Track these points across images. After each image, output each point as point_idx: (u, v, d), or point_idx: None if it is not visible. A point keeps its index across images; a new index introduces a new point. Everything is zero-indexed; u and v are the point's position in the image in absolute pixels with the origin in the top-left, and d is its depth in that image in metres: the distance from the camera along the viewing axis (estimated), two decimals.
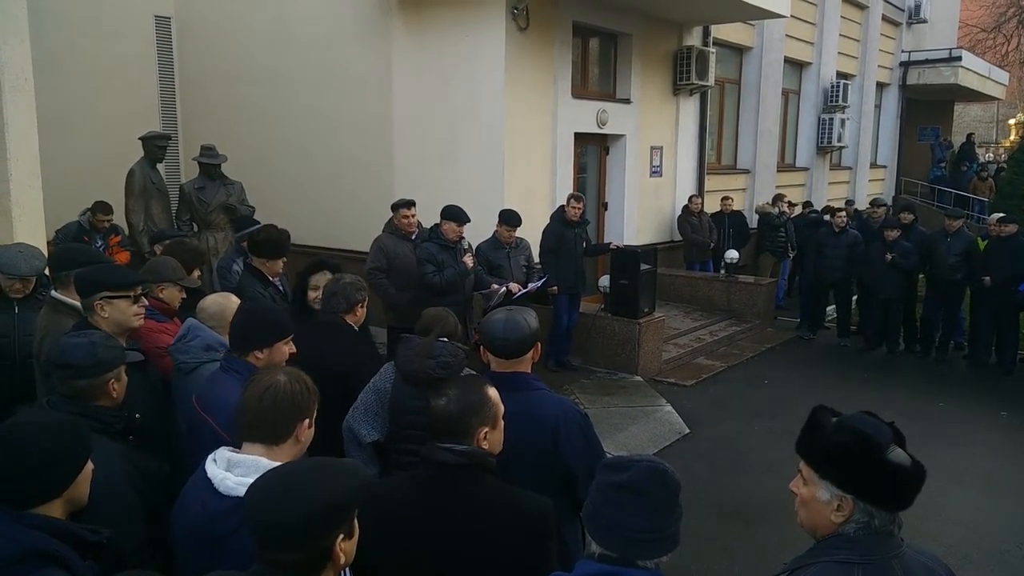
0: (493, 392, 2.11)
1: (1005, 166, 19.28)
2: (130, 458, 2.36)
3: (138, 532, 2.20)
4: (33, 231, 4.80)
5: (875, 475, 1.60)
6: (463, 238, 6.30)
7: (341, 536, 1.52)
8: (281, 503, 1.47)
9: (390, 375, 3.02)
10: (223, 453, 1.96)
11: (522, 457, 2.36)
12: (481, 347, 2.54)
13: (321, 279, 4.02)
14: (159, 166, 7.75)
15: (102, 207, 7.08)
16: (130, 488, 2.25)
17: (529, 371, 2.55)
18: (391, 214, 6.52)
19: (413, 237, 6.34)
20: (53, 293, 3.47)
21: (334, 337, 3.40)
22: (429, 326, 3.04)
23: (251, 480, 1.76)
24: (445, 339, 2.98)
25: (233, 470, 1.91)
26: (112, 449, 2.28)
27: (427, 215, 6.52)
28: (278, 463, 1.80)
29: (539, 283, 6.87)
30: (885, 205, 10.42)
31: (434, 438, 2.03)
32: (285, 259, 4.86)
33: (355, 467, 1.65)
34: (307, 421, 2.00)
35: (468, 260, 6.23)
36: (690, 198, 10.65)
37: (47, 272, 3.90)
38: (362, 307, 3.57)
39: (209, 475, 1.91)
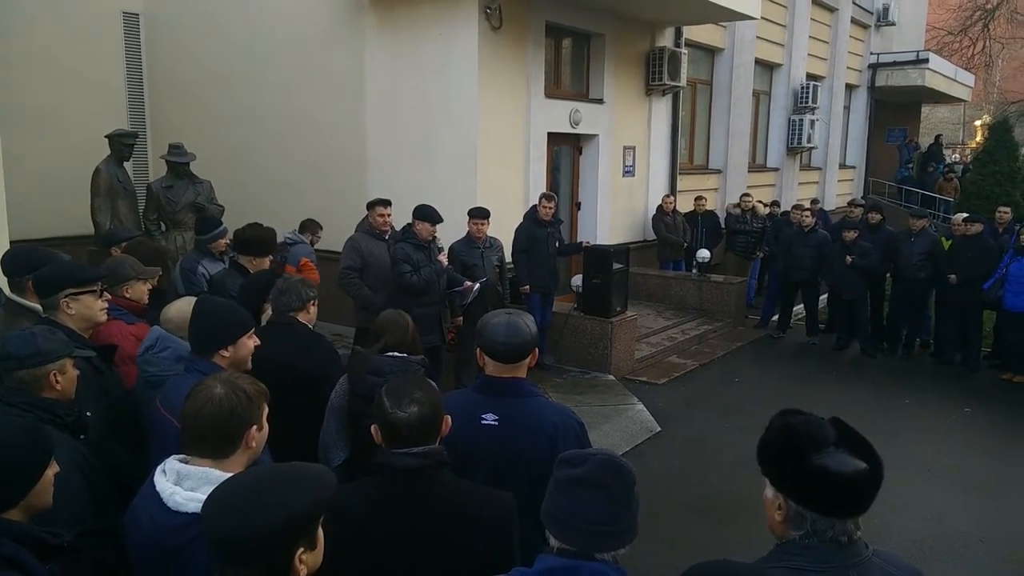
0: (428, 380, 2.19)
1: (971, 167, 19.65)
2: (78, 448, 2.34)
3: (84, 518, 2.17)
4: None
5: (801, 475, 1.58)
6: (436, 238, 6.28)
7: (302, 549, 1.48)
8: (239, 517, 1.43)
9: (343, 391, 3.05)
10: (172, 464, 1.90)
11: (518, 463, 2.37)
12: (478, 350, 2.53)
13: None
14: (126, 165, 7.63)
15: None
16: (78, 474, 2.22)
17: (525, 376, 2.55)
18: (366, 213, 6.49)
19: (387, 237, 6.30)
20: (10, 296, 3.39)
21: (290, 337, 3.32)
22: (379, 335, 3.02)
23: (200, 493, 1.73)
24: (394, 352, 2.93)
25: (183, 483, 1.85)
26: (60, 438, 2.25)
27: (400, 214, 6.49)
28: (230, 473, 1.74)
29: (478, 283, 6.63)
30: (862, 205, 10.57)
31: (397, 445, 1.99)
32: (272, 256, 4.89)
33: (320, 475, 1.59)
34: (254, 428, 1.94)
35: (442, 259, 6.22)
36: (664, 198, 10.72)
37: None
38: (314, 305, 3.50)
39: (158, 488, 1.86)
